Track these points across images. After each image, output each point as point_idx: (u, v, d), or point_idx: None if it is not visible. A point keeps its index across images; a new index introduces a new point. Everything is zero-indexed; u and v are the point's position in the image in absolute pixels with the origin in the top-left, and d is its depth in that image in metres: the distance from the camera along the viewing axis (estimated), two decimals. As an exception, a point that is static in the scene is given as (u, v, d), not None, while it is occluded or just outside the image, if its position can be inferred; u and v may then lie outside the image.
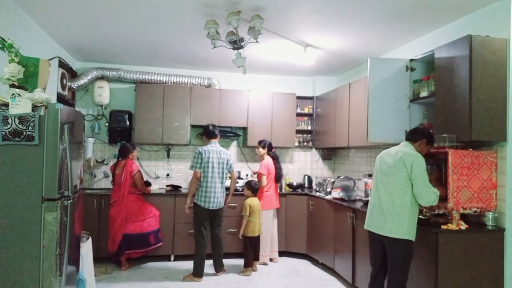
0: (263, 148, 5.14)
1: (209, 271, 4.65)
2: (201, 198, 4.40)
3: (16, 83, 2.66)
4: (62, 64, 4.73)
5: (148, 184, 5.12)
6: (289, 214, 5.43)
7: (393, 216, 2.88)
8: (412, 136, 3.07)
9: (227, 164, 4.55)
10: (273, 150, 5.22)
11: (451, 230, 2.97)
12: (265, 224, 4.92)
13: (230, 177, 4.73)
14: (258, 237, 4.77)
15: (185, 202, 4.57)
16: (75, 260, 3.06)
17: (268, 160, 5.10)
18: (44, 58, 2.92)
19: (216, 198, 4.43)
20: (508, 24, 3.05)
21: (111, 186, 4.98)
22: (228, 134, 5.71)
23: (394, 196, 2.90)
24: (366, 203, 4.07)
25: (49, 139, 2.60)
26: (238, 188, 5.48)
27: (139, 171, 4.82)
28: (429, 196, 2.81)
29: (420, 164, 2.85)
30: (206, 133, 4.64)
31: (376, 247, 3.08)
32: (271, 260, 5.14)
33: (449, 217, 3.11)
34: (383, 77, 3.85)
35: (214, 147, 4.52)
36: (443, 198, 3.05)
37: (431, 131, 3.20)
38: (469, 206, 3.07)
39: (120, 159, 4.84)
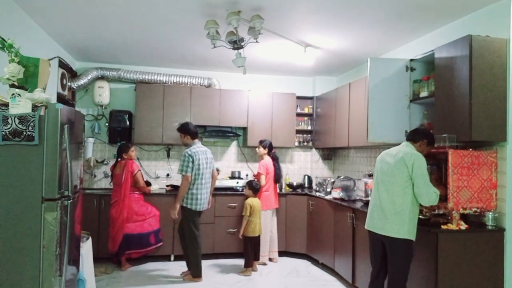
0: (264, 148, 5.13)
1: (209, 271, 4.66)
2: (192, 201, 4.28)
3: (16, 83, 2.66)
4: (62, 64, 4.73)
5: (148, 184, 5.13)
6: (289, 214, 5.43)
7: (393, 216, 2.89)
8: (413, 136, 3.08)
9: (211, 163, 4.50)
10: (273, 151, 5.22)
11: (451, 230, 2.97)
12: (264, 224, 4.92)
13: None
14: (259, 237, 4.76)
15: (173, 207, 4.35)
16: (75, 260, 3.06)
17: (267, 160, 5.10)
18: (44, 58, 2.92)
19: (205, 199, 4.41)
20: (508, 24, 3.05)
21: (111, 186, 4.99)
22: (228, 134, 5.70)
23: (395, 196, 2.90)
24: (366, 203, 4.07)
25: (49, 139, 2.60)
26: (238, 188, 5.49)
27: (140, 170, 4.83)
28: (430, 195, 2.81)
29: (421, 163, 2.85)
30: (190, 133, 4.42)
31: (377, 247, 3.08)
32: (270, 260, 5.14)
33: (449, 217, 3.11)
34: (383, 77, 3.85)
35: (200, 148, 4.41)
36: (443, 198, 3.05)
37: (431, 131, 3.21)
38: (469, 206, 3.07)
39: (119, 159, 4.85)
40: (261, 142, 5.19)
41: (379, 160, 3.15)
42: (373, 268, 3.14)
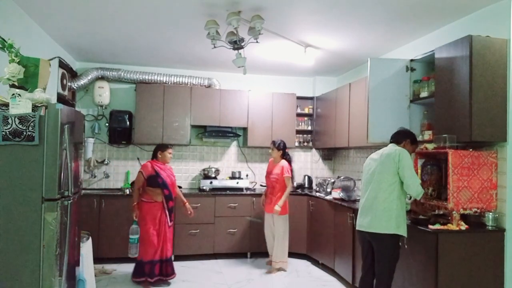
0: (278, 150, 4.72)
1: (209, 271, 4.65)
2: None
3: (16, 83, 2.66)
4: (62, 64, 4.73)
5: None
6: (289, 214, 5.41)
7: (381, 212, 2.97)
8: (396, 138, 3.19)
9: None
10: (287, 150, 4.83)
11: (451, 230, 2.96)
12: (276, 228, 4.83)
13: None
14: None
15: None
16: (75, 260, 3.06)
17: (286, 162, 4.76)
18: (44, 58, 2.92)
19: None
20: (508, 24, 3.05)
21: (111, 186, 4.98)
22: (228, 134, 5.70)
23: (382, 192, 2.99)
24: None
25: (49, 139, 2.60)
26: (242, 187, 5.48)
27: (140, 171, 4.23)
28: (417, 186, 2.92)
29: (406, 155, 2.98)
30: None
31: (366, 247, 3.17)
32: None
33: (449, 218, 3.11)
34: (383, 78, 3.85)
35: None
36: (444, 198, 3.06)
37: (412, 131, 3.30)
38: (469, 206, 3.07)
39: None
40: (274, 143, 4.76)
41: (366, 163, 3.26)
42: (363, 263, 3.22)
